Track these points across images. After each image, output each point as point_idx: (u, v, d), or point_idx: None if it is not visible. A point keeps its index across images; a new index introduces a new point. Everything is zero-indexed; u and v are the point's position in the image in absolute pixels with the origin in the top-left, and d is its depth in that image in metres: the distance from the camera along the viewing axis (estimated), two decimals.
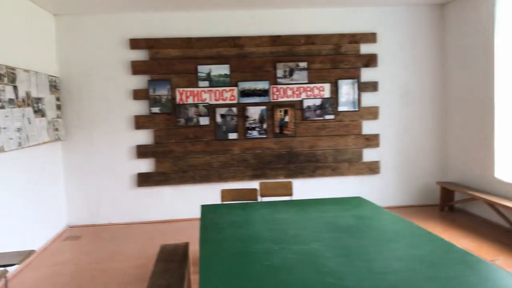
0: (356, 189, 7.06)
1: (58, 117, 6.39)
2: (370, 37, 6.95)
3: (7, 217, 4.83)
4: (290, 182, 5.23)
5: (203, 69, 6.72)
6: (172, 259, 3.75)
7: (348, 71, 6.95)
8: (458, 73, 6.74)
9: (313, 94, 6.91)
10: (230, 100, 6.79)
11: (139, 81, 6.71)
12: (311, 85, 6.90)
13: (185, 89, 6.73)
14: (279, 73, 6.83)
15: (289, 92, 6.87)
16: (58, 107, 6.44)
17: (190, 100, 6.74)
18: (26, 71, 5.37)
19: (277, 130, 6.88)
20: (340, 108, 6.96)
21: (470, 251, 4.01)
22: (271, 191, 5.20)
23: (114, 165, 6.75)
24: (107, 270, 4.92)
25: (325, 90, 6.93)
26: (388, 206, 7.03)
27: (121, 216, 6.80)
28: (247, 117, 6.81)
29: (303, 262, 2.70)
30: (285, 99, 6.88)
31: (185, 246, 4.15)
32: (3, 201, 4.75)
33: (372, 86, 7.01)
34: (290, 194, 5.15)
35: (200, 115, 6.75)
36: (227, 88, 6.78)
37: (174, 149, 6.77)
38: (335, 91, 6.94)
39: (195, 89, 6.74)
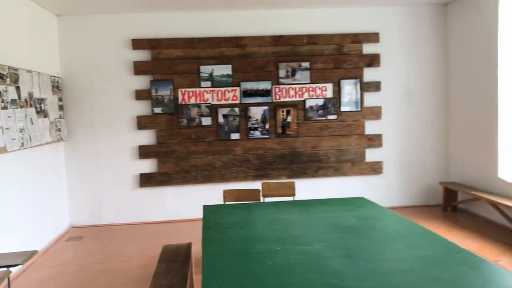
0: (358, 190, 7.05)
1: (60, 117, 6.40)
2: (373, 37, 6.94)
3: (10, 218, 4.83)
4: (293, 182, 5.22)
5: (205, 69, 6.72)
6: (174, 260, 3.75)
7: (351, 71, 6.94)
8: (461, 73, 6.72)
9: (315, 94, 6.90)
10: (232, 100, 6.79)
11: (142, 82, 6.71)
12: (314, 85, 6.90)
13: (188, 89, 6.73)
14: (282, 73, 6.82)
15: (292, 92, 6.87)
16: (61, 108, 6.45)
17: (192, 100, 6.73)
18: (29, 71, 5.38)
19: (279, 130, 6.87)
20: (343, 108, 6.95)
21: (473, 251, 3.99)
22: (273, 191, 5.19)
23: (116, 165, 6.75)
24: (109, 270, 4.92)
25: (328, 90, 6.92)
26: (391, 206, 7.01)
27: (123, 216, 6.80)
28: (249, 117, 6.81)
29: (306, 263, 2.69)
30: (287, 99, 6.87)
31: (188, 246, 4.15)
32: (5, 201, 4.75)
33: (375, 86, 7.00)
34: (293, 195, 5.14)
35: (203, 115, 6.74)
36: (229, 88, 6.78)
37: (176, 149, 6.77)
38: (337, 91, 6.93)
39: (198, 89, 6.74)
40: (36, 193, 5.56)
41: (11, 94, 4.86)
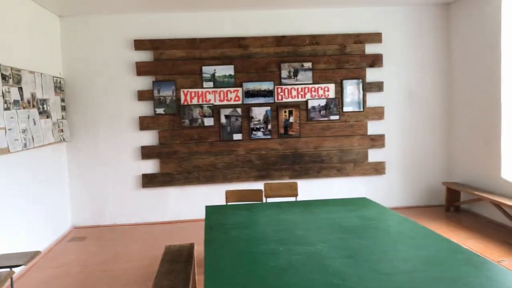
0: (361, 190, 7.04)
1: (63, 118, 6.41)
2: (375, 37, 6.93)
3: (13, 218, 4.84)
4: (295, 183, 5.22)
5: (207, 70, 6.73)
6: (177, 260, 3.75)
7: (353, 71, 6.93)
8: (464, 73, 6.71)
9: (318, 95, 6.89)
10: (235, 101, 6.79)
11: (144, 82, 6.72)
12: (316, 86, 6.89)
13: (190, 90, 6.73)
14: (284, 73, 6.82)
15: (294, 93, 6.86)
16: (63, 108, 6.46)
17: (194, 101, 6.74)
18: (31, 72, 5.39)
19: (281, 130, 6.87)
20: (345, 109, 6.94)
21: (476, 252, 3.98)
22: (276, 192, 5.19)
23: (118, 166, 6.76)
24: (112, 271, 4.93)
25: (330, 90, 6.92)
26: (393, 206, 7.00)
27: (126, 217, 6.81)
28: (252, 117, 6.81)
29: (308, 263, 2.69)
30: (289, 99, 6.87)
31: (190, 247, 4.15)
32: (8, 202, 4.76)
33: (377, 86, 6.99)
34: (295, 195, 5.14)
35: (205, 116, 6.75)
36: (232, 89, 6.78)
37: (178, 150, 6.77)
38: (340, 91, 6.92)
39: (200, 90, 6.74)
40: (38, 194, 5.57)
41: (14, 95, 4.87)
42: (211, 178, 6.83)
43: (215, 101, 6.76)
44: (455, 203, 6.85)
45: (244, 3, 6.33)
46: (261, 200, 4.99)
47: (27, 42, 5.47)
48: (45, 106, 5.75)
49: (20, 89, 5.04)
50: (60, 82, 6.38)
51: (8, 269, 3.63)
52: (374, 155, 7.08)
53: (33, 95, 5.38)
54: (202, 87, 6.74)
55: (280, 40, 6.81)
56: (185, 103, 6.72)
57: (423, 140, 7.14)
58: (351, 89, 6.92)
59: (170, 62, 6.69)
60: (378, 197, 6.92)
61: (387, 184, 7.13)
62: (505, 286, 2.27)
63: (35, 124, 5.37)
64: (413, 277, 2.42)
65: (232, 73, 6.75)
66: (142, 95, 6.70)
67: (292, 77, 6.83)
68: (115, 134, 6.73)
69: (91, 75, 6.66)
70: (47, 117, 5.81)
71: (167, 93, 6.69)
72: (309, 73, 6.85)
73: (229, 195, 5.04)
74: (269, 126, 6.84)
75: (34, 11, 5.77)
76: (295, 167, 6.93)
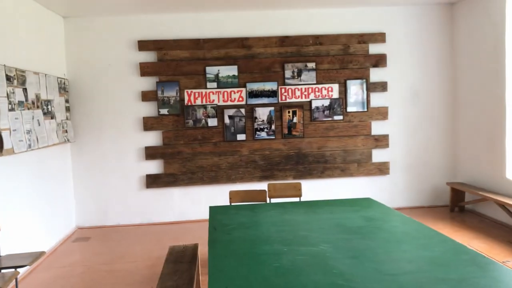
0: (365, 190, 7.02)
1: (67, 119, 6.43)
2: (379, 37, 6.92)
3: (17, 219, 4.86)
4: (299, 183, 5.21)
5: (211, 70, 6.73)
6: (181, 261, 3.75)
7: (357, 72, 6.92)
8: (468, 73, 6.68)
9: (321, 95, 6.88)
10: (239, 101, 6.79)
11: (148, 83, 6.73)
12: (320, 86, 6.88)
13: (194, 90, 6.74)
14: (288, 73, 6.82)
15: (298, 93, 6.86)
16: (67, 109, 6.48)
17: (198, 102, 6.74)
18: (36, 73, 5.41)
19: (285, 131, 6.86)
20: (349, 109, 6.93)
21: (481, 252, 3.97)
22: (279, 192, 5.18)
23: (122, 166, 6.77)
24: (116, 271, 4.94)
25: (334, 90, 6.91)
26: (397, 207, 6.98)
27: (130, 217, 6.82)
28: (256, 118, 6.81)
29: (312, 264, 2.69)
30: (293, 100, 6.86)
31: (194, 247, 4.15)
32: (13, 202, 4.78)
33: (381, 86, 6.97)
34: (299, 195, 5.14)
35: (209, 117, 6.75)
36: (235, 89, 6.78)
37: (182, 150, 6.78)
38: (343, 91, 6.91)
39: (204, 90, 6.75)
40: (43, 194, 5.58)
41: (18, 96, 4.89)
42: (215, 178, 6.84)
43: (218, 101, 6.77)
44: (460, 203, 6.83)
45: (247, 4, 6.33)
46: (265, 200, 4.99)
47: (32, 43, 5.49)
48: (49, 107, 5.76)
49: (25, 90, 5.06)
50: (64, 83, 6.40)
51: (13, 270, 3.65)
52: (378, 155, 7.07)
53: (37, 96, 5.40)
54: (206, 88, 6.75)
55: (283, 40, 6.81)
56: (189, 104, 6.73)
57: (427, 140, 7.12)
58: (355, 89, 6.91)
59: (174, 63, 6.70)
60: (382, 197, 6.91)
61: (391, 184, 7.11)
62: (510, 287, 2.26)
63: (39, 125, 5.39)
64: (417, 277, 2.41)
65: (236, 73, 6.76)
66: (146, 96, 6.71)
67: (296, 77, 6.83)
68: (119, 135, 6.74)
69: (95, 76, 6.68)
70: (52, 118, 5.83)
71: (171, 93, 6.70)
72: (313, 73, 6.84)
73: (233, 195, 5.04)
74: (273, 127, 6.84)
75: (39, 13, 5.79)
76: (299, 167, 6.93)
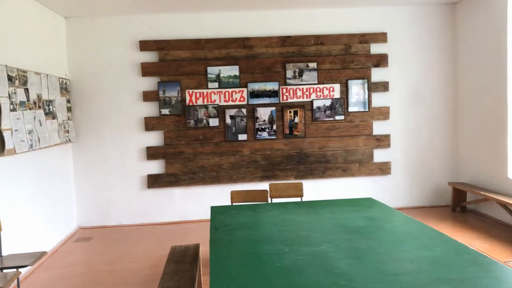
0: (366, 190, 7.02)
1: (68, 119, 6.44)
2: (381, 37, 6.91)
3: (19, 219, 4.87)
4: (300, 183, 5.20)
5: (212, 71, 6.73)
6: (182, 261, 3.75)
7: (358, 71, 6.92)
8: (470, 73, 6.67)
9: (323, 95, 6.88)
10: (240, 101, 6.79)
11: (149, 83, 6.74)
12: (321, 86, 6.88)
13: (195, 90, 6.74)
14: (289, 73, 6.81)
15: (299, 93, 6.86)
16: (69, 109, 6.49)
17: (199, 102, 6.75)
18: (37, 73, 5.42)
19: (287, 131, 6.86)
20: (350, 109, 6.93)
21: (482, 252, 3.96)
22: (281, 192, 5.18)
23: (124, 166, 6.78)
24: (117, 271, 4.94)
25: (335, 90, 6.90)
26: (399, 207, 6.98)
27: (131, 217, 6.83)
28: (257, 118, 6.81)
29: (314, 264, 2.68)
30: (294, 100, 6.86)
31: (196, 247, 4.15)
32: (14, 202, 4.79)
33: (383, 86, 6.97)
34: (300, 195, 5.13)
35: (210, 117, 6.75)
36: (237, 89, 6.78)
37: (184, 150, 6.78)
38: (345, 91, 6.91)
39: (205, 91, 6.75)
40: (44, 195, 5.59)
41: (20, 96, 4.90)
42: (216, 178, 6.84)
43: (220, 101, 6.77)
44: (461, 203, 6.82)
45: (249, 4, 6.33)
46: (266, 200, 4.99)
47: (33, 44, 5.49)
48: (51, 107, 5.77)
49: (26, 90, 5.07)
50: (66, 83, 6.41)
51: (14, 270, 3.65)
52: (379, 155, 7.06)
53: (39, 96, 5.41)
54: (207, 88, 6.75)
55: (285, 40, 6.81)
56: (190, 104, 6.73)
57: (429, 140, 7.11)
58: (356, 89, 6.91)
59: (175, 63, 6.70)
60: (383, 197, 6.90)
61: (393, 184, 7.11)
62: None
63: (41, 125, 5.40)
64: (419, 278, 2.41)
65: (237, 73, 6.76)
66: (147, 96, 6.72)
67: (297, 77, 6.83)
68: (120, 135, 6.75)
69: (97, 76, 6.69)
70: (53, 118, 5.83)
71: (172, 93, 6.70)
72: (314, 73, 6.84)
73: (235, 195, 5.03)
74: (274, 127, 6.84)
75: (40, 13, 5.79)
76: (300, 167, 6.92)
